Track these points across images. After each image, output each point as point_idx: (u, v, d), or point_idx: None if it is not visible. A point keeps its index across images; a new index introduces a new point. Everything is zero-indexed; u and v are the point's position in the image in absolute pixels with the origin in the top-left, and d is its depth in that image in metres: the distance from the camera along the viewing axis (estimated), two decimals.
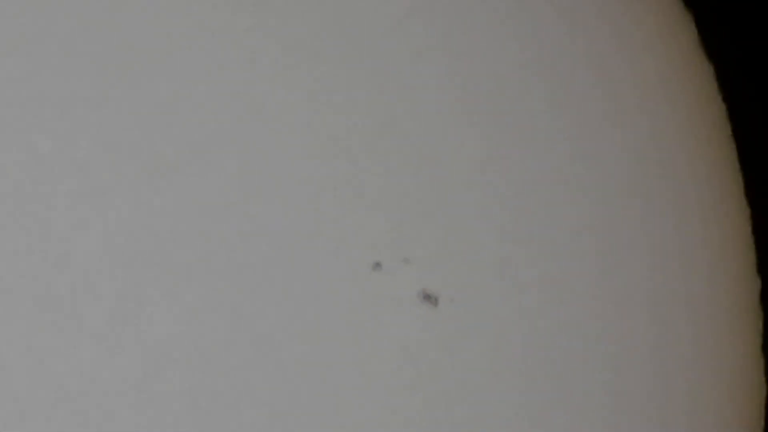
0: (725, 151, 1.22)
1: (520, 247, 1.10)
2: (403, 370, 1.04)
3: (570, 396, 1.11)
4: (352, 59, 1.03)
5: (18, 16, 0.88)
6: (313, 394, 1.01)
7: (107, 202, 0.91)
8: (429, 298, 1.05)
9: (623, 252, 1.14)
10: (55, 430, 0.88)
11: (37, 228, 0.88)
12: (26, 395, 0.88)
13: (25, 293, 0.88)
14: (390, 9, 1.05)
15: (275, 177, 1.01)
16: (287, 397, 1.00)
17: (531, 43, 1.12)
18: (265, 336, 1.00)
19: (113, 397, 0.92)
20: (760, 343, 1.23)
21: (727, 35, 1.26)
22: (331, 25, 1.02)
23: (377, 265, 1.04)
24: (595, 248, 1.13)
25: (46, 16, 0.89)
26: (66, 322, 0.90)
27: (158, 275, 0.95)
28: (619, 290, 1.13)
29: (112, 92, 0.91)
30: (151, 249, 0.94)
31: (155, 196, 0.94)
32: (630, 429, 1.13)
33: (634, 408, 1.14)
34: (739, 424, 1.20)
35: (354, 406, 1.02)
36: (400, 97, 1.06)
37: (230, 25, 0.99)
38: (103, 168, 0.91)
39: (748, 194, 1.26)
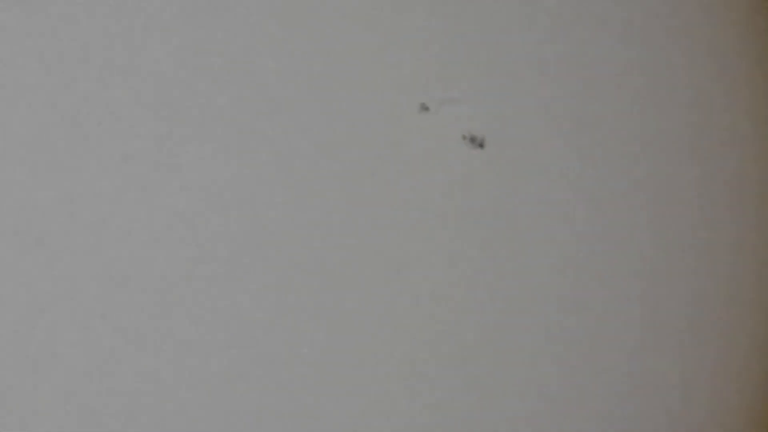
0: None
1: (565, 89, 1.10)
2: (450, 207, 1.05)
3: (608, 238, 1.12)
4: None
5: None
6: (356, 231, 1.02)
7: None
8: (474, 140, 1.06)
9: None
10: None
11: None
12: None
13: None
14: None
15: (329, 27, 1.01)
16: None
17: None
18: (312, 173, 1.00)
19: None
20: None
21: None
22: None
23: (424, 107, 1.04)
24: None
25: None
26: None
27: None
28: None
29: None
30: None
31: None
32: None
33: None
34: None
35: (397, 242, 1.03)
36: None
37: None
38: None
39: None
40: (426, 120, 1.04)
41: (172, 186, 0.95)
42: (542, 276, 1.09)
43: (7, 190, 0.89)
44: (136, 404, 0.94)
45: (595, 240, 1.12)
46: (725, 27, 1.22)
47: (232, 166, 0.97)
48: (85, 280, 0.92)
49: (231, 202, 0.97)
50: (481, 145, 1.06)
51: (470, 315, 1.06)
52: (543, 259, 1.10)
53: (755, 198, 1.23)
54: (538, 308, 1.10)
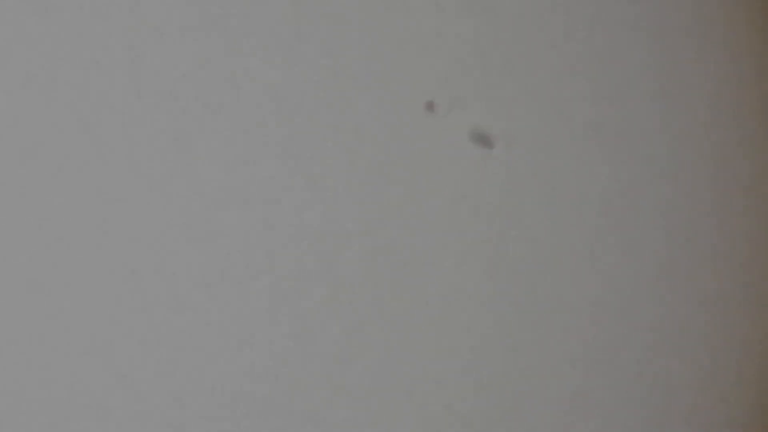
0: None
1: (576, 88, 1.09)
2: (459, 208, 1.04)
3: (622, 238, 1.12)
4: None
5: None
6: (368, 223, 1.01)
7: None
8: (482, 140, 1.05)
9: None
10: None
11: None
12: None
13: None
14: None
15: (333, 21, 1.00)
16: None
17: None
18: (321, 175, 0.99)
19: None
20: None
21: None
22: None
23: (430, 105, 1.03)
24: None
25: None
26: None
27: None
28: None
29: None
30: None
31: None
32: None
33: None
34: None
35: (407, 243, 1.02)
36: None
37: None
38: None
39: None
40: (434, 119, 1.03)
41: (178, 187, 0.94)
42: (550, 276, 1.08)
43: (6, 189, 0.89)
44: (145, 405, 0.93)
45: (607, 241, 1.11)
46: (737, 26, 1.21)
47: (238, 166, 0.96)
48: (93, 280, 0.91)
49: (237, 204, 0.96)
50: (491, 145, 1.04)
51: (481, 319, 1.05)
52: (551, 259, 1.09)
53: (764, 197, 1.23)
54: (551, 312, 1.09)
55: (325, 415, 0.99)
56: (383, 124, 1.01)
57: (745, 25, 1.21)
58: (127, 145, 0.93)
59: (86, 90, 0.92)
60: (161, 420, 0.93)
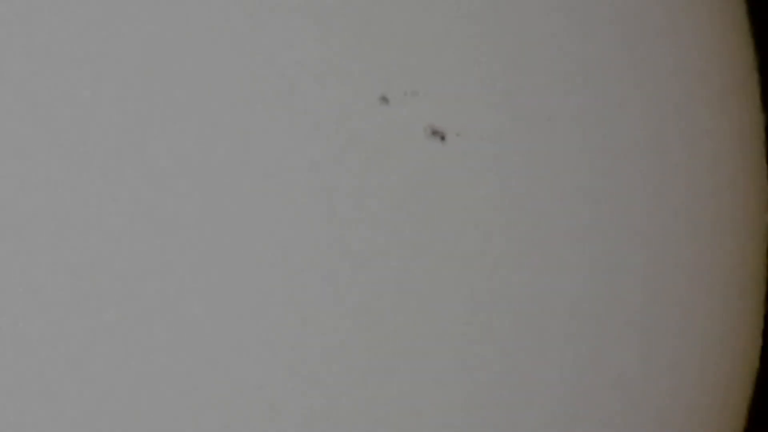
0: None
1: (530, 79, 1.10)
2: (409, 203, 1.04)
3: (576, 237, 1.12)
4: None
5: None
6: (319, 221, 1.01)
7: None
8: (436, 133, 1.05)
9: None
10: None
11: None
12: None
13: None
14: None
15: (285, 15, 1.01)
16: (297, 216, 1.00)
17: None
18: (270, 163, 1.00)
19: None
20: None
21: None
22: None
23: (384, 99, 1.03)
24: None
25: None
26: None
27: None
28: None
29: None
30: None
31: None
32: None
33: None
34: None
35: (360, 239, 1.02)
36: None
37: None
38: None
39: None
40: (387, 112, 1.03)
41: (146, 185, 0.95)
42: (509, 278, 1.08)
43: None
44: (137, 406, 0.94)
45: (568, 240, 1.11)
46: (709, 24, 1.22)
47: (185, 159, 0.97)
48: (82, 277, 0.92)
49: (187, 196, 0.96)
50: (443, 138, 1.05)
51: (434, 320, 1.05)
52: (504, 254, 1.09)
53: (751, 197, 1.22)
54: (515, 312, 1.09)
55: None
56: (335, 116, 1.01)
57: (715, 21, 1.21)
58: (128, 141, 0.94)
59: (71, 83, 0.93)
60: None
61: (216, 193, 0.98)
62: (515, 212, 1.08)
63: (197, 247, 0.96)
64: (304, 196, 1.00)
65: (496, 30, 1.09)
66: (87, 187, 0.92)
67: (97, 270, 0.93)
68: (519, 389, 1.09)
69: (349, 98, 1.02)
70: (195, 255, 0.96)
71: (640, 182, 1.14)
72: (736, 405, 1.24)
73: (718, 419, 1.22)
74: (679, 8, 1.19)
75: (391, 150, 1.03)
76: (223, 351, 0.97)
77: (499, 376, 1.07)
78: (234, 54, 0.99)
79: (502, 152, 1.08)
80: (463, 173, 1.06)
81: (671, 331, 1.17)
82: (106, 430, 0.92)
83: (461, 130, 1.05)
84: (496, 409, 1.08)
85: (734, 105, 1.23)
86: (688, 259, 1.19)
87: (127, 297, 0.94)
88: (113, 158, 0.94)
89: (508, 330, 1.07)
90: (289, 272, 0.99)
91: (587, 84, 1.13)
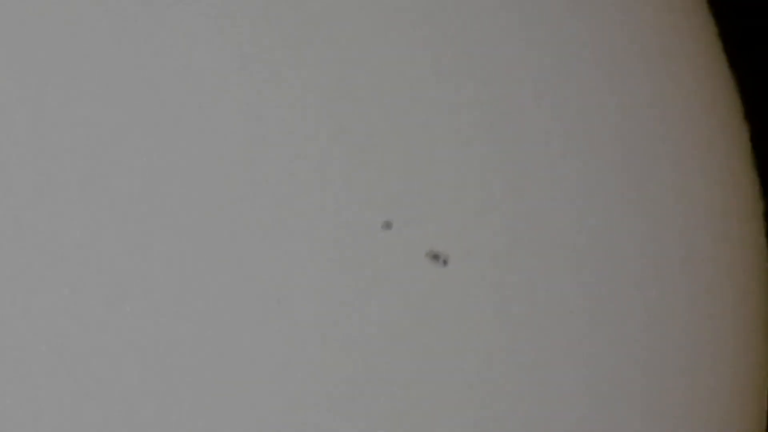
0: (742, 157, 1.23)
1: (531, 206, 1.10)
2: (413, 328, 1.04)
3: (583, 357, 1.12)
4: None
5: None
6: (323, 352, 1.02)
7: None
8: (437, 258, 1.06)
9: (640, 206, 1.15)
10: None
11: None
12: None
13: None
14: None
15: (285, 137, 1.02)
16: (300, 351, 1.00)
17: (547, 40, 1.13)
18: (276, 293, 1.00)
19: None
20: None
21: (751, 45, 1.27)
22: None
23: (387, 225, 1.04)
24: (608, 210, 1.14)
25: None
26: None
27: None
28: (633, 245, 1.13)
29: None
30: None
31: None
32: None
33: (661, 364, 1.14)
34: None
35: (362, 365, 1.03)
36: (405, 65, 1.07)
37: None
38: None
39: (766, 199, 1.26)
40: (389, 237, 1.04)
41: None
42: (515, 407, 1.08)
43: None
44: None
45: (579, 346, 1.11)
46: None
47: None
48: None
49: None
50: (445, 263, 1.05)
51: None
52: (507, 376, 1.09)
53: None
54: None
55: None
56: (338, 241, 1.02)
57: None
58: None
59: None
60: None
61: (221, 318, 0.98)
62: (518, 337, 1.08)
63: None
64: (305, 322, 1.01)
65: (497, 155, 1.10)
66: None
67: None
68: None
69: (352, 223, 1.03)
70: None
71: (643, 314, 1.14)
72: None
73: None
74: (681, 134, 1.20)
75: (393, 274, 1.04)
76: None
77: None
78: (236, 179, 1.00)
79: (504, 277, 1.08)
80: (465, 298, 1.07)
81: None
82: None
83: (463, 254, 1.06)
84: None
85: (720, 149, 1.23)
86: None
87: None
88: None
89: None
90: (289, 397, 1.00)
91: (589, 206, 1.13)
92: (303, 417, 1.00)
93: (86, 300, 0.92)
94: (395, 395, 1.04)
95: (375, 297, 1.03)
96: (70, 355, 0.90)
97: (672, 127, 1.19)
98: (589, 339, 1.12)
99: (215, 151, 0.99)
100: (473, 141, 1.09)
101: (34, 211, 0.90)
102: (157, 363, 0.95)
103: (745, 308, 1.22)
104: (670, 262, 1.17)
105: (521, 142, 1.11)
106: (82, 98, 0.92)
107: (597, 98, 1.14)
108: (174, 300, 0.96)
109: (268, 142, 1.01)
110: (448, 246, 1.06)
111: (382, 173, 1.05)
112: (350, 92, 1.05)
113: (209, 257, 0.98)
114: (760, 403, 1.24)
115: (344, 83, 1.04)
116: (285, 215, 1.01)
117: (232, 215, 1.00)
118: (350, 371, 1.02)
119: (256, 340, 0.99)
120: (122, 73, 0.94)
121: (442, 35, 1.07)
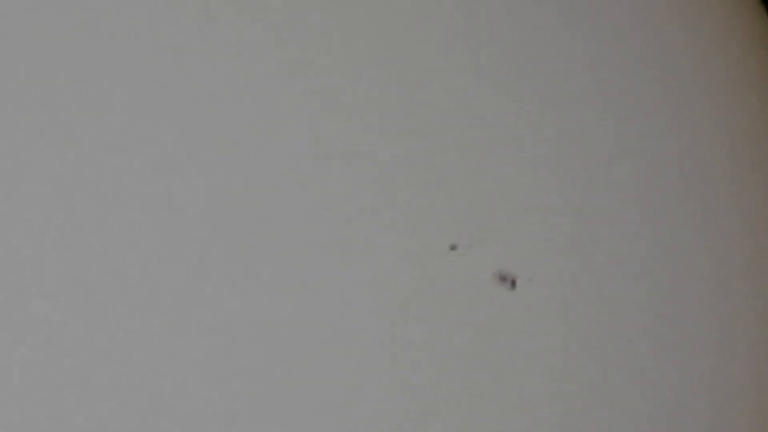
0: None
1: (598, 227, 1.10)
2: (479, 351, 1.04)
3: (646, 377, 1.11)
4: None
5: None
6: (391, 375, 1.01)
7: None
8: (505, 280, 1.05)
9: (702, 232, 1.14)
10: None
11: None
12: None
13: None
14: None
15: (352, 159, 1.02)
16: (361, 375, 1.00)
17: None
18: (344, 317, 1.00)
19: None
20: None
21: None
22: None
23: (454, 247, 1.04)
24: (671, 227, 1.13)
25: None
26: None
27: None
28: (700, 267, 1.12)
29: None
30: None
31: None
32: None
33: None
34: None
35: (429, 388, 1.02)
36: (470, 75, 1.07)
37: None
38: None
39: None
40: (455, 259, 1.04)
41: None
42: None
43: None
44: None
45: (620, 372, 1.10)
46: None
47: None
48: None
49: None
50: (513, 285, 1.05)
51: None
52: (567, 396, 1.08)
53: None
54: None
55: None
56: (406, 264, 1.02)
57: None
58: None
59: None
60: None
61: (273, 334, 0.98)
62: (586, 359, 1.07)
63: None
64: (374, 343, 1.01)
65: (563, 177, 1.09)
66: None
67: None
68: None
69: (420, 246, 1.03)
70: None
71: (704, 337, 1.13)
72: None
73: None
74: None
75: (461, 297, 1.04)
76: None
77: None
78: (309, 202, 1.00)
79: (572, 297, 1.08)
80: (534, 319, 1.06)
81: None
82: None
83: (532, 275, 1.06)
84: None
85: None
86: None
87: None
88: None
89: None
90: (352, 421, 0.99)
91: (656, 227, 1.13)
92: None
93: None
94: (463, 418, 1.04)
95: (443, 319, 1.03)
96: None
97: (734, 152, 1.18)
98: (657, 363, 1.11)
99: (277, 176, 1.00)
100: (539, 162, 1.08)
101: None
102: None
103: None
104: (740, 288, 1.16)
105: (588, 164, 1.11)
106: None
107: (663, 128, 1.14)
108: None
109: (333, 162, 1.01)
110: (517, 268, 1.06)
111: (450, 195, 1.05)
112: (417, 114, 1.05)
113: (272, 281, 0.98)
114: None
115: (413, 107, 1.04)
116: (353, 238, 1.01)
117: (295, 238, 1.00)
118: (419, 394, 1.02)
119: (320, 363, 0.99)
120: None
121: (513, 58, 1.07)
